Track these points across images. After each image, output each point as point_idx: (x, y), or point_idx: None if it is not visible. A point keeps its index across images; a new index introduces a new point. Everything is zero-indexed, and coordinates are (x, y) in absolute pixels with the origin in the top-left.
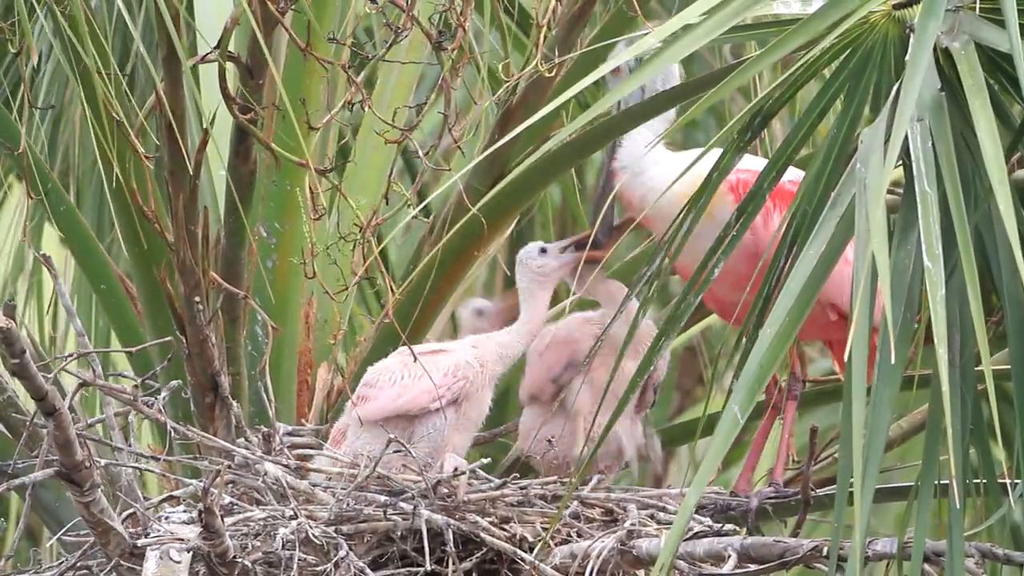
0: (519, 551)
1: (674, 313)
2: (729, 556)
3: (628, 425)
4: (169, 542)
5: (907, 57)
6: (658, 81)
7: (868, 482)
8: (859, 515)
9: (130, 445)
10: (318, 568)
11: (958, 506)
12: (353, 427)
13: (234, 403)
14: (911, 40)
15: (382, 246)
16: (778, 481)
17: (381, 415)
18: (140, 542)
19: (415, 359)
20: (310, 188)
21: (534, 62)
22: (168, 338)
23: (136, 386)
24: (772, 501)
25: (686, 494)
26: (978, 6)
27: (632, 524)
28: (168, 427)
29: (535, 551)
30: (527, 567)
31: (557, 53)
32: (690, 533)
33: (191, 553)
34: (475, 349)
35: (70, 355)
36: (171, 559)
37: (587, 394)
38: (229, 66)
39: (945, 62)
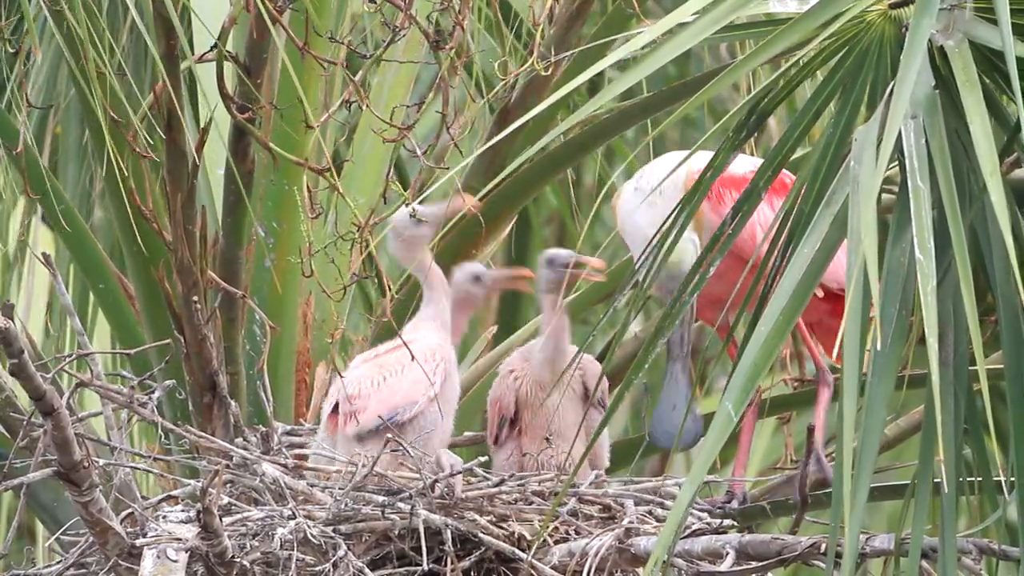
0: (517, 550)
1: (669, 312)
2: (727, 553)
3: None
4: (167, 542)
5: (902, 55)
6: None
7: (862, 476)
8: (848, 511)
9: (129, 445)
10: (316, 568)
11: (946, 490)
12: (345, 446)
13: (232, 403)
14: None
15: (378, 240)
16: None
17: (377, 422)
18: (138, 541)
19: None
20: (308, 187)
21: (530, 61)
22: (167, 339)
23: (132, 387)
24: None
25: (681, 485)
26: (972, 5)
27: (630, 521)
28: (162, 428)
29: (533, 549)
30: (525, 566)
31: (554, 52)
32: (688, 531)
33: (189, 553)
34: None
35: (69, 355)
36: (169, 559)
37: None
38: (227, 65)
39: (940, 60)
